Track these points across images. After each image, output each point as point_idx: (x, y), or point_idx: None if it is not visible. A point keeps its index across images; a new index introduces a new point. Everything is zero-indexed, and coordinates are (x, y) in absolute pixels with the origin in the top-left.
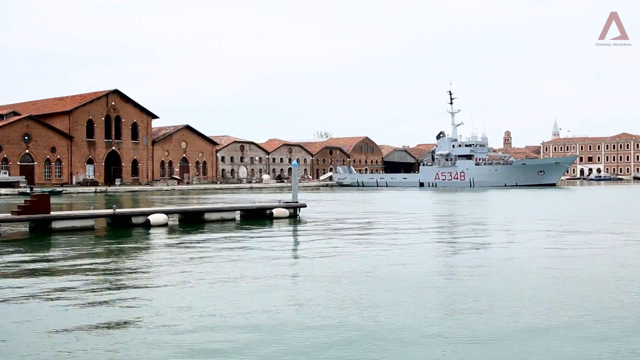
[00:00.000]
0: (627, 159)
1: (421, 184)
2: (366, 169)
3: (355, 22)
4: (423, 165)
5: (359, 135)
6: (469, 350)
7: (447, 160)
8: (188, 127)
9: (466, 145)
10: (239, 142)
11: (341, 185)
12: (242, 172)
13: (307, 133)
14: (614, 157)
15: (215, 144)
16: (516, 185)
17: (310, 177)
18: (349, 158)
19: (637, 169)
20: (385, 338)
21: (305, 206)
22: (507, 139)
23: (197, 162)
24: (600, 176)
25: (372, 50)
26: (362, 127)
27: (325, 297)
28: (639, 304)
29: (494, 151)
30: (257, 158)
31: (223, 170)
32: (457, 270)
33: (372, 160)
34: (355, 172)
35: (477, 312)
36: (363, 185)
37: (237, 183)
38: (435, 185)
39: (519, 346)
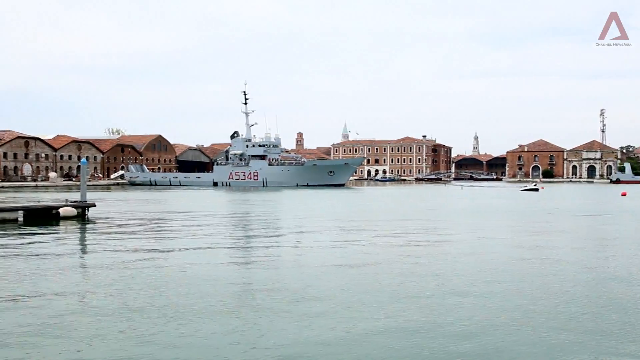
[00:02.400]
0: (410, 161)
1: (215, 184)
2: (159, 168)
3: (150, 18)
4: (217, 164)
5: (152, 133)
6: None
7: (240, 160)
8: None
9: (260, 146)
10: (23, 137)
11: (133, 184)
12: (27, 169)
13: (98, 130)
14: (398, 159)
15: None
16: (307, 185)
17: (101, 175)
18: (141, 156)
19: (419, 170)
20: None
21: (95, 205)
22: (300, 140)
23: None
24: (386, 177)
25: (167, 47)
26: (155, 125)
27: (118, 305)
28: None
29: (287, 152)
30: (43, 155)
31: (5, 167)
32: (248, 265)
33: (165, 159)
34: (148, 170)
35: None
36: (156, 184)
37: (21, 181)
38: (229, 185)
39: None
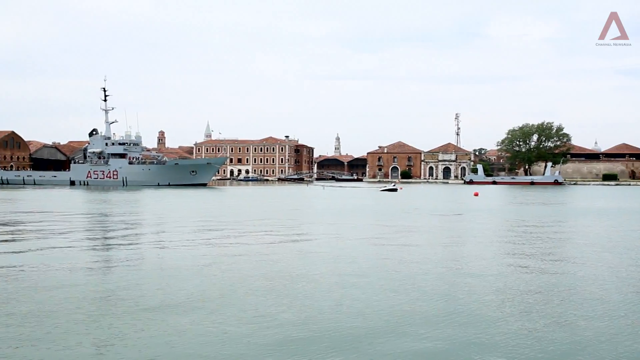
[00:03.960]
0: (273, 161)
1: (72, 182)
2: (12, 166)
3: (2, 9)
4: (74, 163)
5: (4, 129)
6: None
7: (99, 158)
8: None
9: (120, 144)
10: None
11: None
12: None
13: None
14: (261, 159)
15: None
16: (169, 185)
17: None
18: None
19: (281, 170)
20: None
21: None
22: (162, 139)
23: None
24: (249, 177)
25: (20, 40)
26: (7, 121)
27: None
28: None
29: (148, 150)
30: None
31: None
32: (105, 269)
33: (19, 157)
34: None
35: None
36: (8, 183)
37: None
38: (87, 184)
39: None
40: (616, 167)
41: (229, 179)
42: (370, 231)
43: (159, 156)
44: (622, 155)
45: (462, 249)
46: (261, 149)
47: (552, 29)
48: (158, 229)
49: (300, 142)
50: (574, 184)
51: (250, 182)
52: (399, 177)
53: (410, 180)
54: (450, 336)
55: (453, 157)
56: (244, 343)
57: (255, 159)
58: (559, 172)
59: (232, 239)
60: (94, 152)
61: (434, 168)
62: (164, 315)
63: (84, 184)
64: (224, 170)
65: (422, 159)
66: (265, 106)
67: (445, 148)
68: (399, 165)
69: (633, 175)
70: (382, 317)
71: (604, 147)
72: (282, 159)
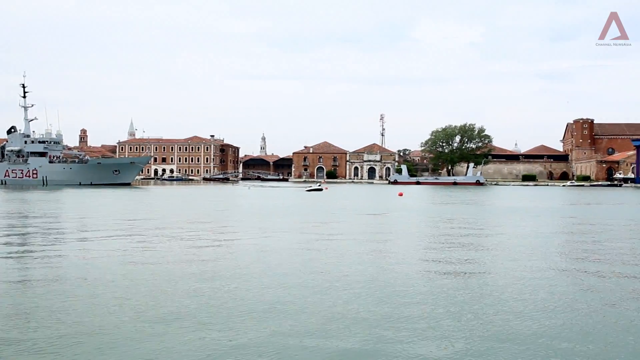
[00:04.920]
0: (198, 161)
1: None
2: None
3: None
4: None
5: None
6: None
7: (18, 157)
8: None
9: (39, 142)
10: None
11: None
12: None
13: None
14: (186, 158)
15: None
16: (91, 184)
17: None
18: None
19: (206, 170)
20: None
21: None
22: (84, 137)
23: None
24: (173, 176)
25: None
26: None
27: None
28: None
29: (70, 149)
30: None
31: None
32: (22, 273)
33: None
34: None
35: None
36: None
37: None
38: (5, 183)
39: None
40: (535, 168)
41: (153, 178)
42: (298, 232)
43: (80, 155)
44: (541, 157)
45: (386, 248)
46: (186, 148)
47: (476, 33)
48: (78, 230)
49: (225, 142)
50: (495, 184)
51: (175, 182)
52: (325, 177)
53: (335, 180)
54: (376, 333)
55: (378, 157)
56: (158, 342)
57: (180, 159)
58: (481, 172)
59: (157, 242)
60: (12, 151)
61: (359, 168)
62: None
63: (2, 183)
64: (148, 169)
65: (348, 159)
66: (191, 105)
67: (370, 148)
68: (325, 165)
69: (551, 176)
70: (311, 318)
71: (523, 148)
72: (207, 158)
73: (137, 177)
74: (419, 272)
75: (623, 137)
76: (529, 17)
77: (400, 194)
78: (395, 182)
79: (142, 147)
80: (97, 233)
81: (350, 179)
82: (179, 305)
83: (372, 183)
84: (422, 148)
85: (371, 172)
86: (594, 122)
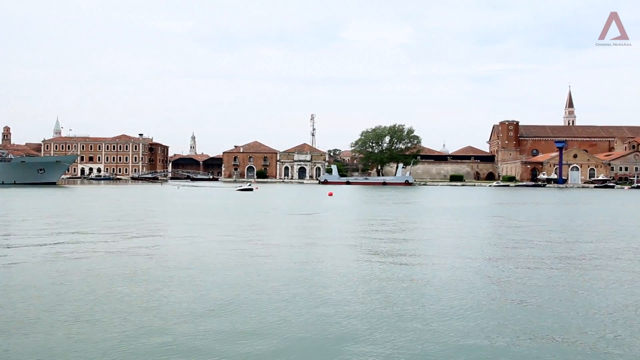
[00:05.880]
0: (126, 160)
1: None
2: None
3: None
4: None
5: None
6: None
7: None
8: None
9: None
10: None
11: None
12: None
13: None
14: (114, 157)
15: None
16: (15, 184)
17: None
18: None
19: (135, 169)
20: None
21: None
22: (7, 135)
23: None
24: (101, 176)
25: None
26: None
27: None
28: None
29: None
30: None
31: None
32: None
33: None
34: None
35: None
36: None
37: None
38: None
39: None
40: (462, 168)
41: (80, 177)
42: (227, 232)
43: (3, 153)
44: (468, 158)
45: (314, 247)
46: (114, 147)
47: (405, 35)
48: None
49: (155, 141)
50: (424, 184)
51: (102, 182)
52: (255, 176)
53: (266, 180)
54: (299, 330)
55: (308, 157)
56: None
57: (107, 158)
58: (410, 172)
59: (82, 243)
60: None
61: (290, 168)
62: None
63: None
64: (75, 168)
65: (278, 159)
66: (120, 103)
67: (301, 148)
68: (255, 165)
69: (477, 177)
70: (238, 319)
71: (451, 149)
72: (135, 157)
73: (63, 177)
74: (350, 271)
75: (547, 138)
76: (458, 20)
77: (330, 194)
78: (325, 182)
79: (69, 146)
80: (18, 235)
81: (280, 178)
82: (89, 307)
83: (303, 183)
84: (352, 148)
85: (302, 172)
86: (519, 124)
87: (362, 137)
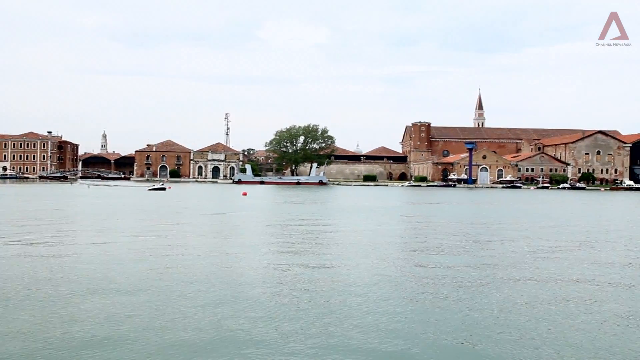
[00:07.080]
0: (34, 158)
1: None
2: None
3: None
4: None
5: None
6: None
7: None
8: None
9: None
10: None
11: None
12: None
13: None
14: (20, 155)
15: None
16: None
17: None
18: None
19: (43, 168)
20: None
21: None
22: None
23: None
24: (7, 174)
25: None
26: None
27: None
28: None
29: None
30: None
31: None
32: None
33: None
34: None
35: None
36: None
37: None
38: None
39: None
40: (375, 168)
41: None
42: (135, 233)
43: None
44: (381, 158)
45: (228, 247)
46: (21, 144)
47: (322, 35)
48: None
49: (64, 139)
50: (338, 184)
51: (7, 180)
52: (168, 176)
53: (179, 179)
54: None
55: (222, 156)
56: None
57: (14, 155)
58: (324, 172)
59: None
60: None
61: (204, 167)
62: None
63: None
64: None
65: (192, 158)
66: (27, 99)
67: (215, 148)
68: (168, 164)
69: (390, 177)
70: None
71: (365, 149)
72: (44, 155)
73: None
74: (263, 268)
75: (457, 140)
76: (374, 22)
77: (245, 194)
78: (239, 182)
79: None
80: None
81: (194, 178)
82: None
83: (217, 182)
84: (267, 148)
85: (215, 172)
86: (431, 125)
87: (277, 137)
